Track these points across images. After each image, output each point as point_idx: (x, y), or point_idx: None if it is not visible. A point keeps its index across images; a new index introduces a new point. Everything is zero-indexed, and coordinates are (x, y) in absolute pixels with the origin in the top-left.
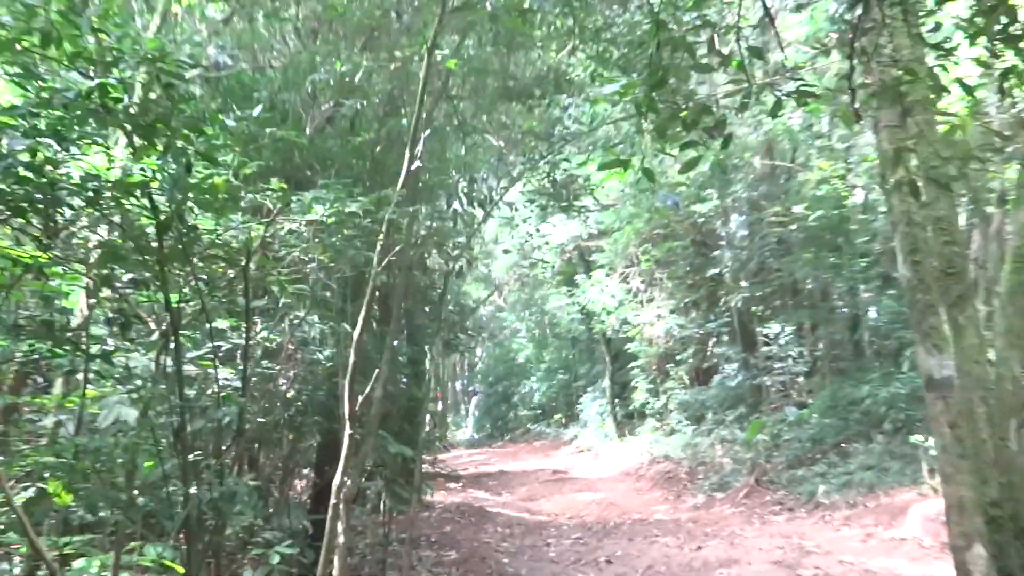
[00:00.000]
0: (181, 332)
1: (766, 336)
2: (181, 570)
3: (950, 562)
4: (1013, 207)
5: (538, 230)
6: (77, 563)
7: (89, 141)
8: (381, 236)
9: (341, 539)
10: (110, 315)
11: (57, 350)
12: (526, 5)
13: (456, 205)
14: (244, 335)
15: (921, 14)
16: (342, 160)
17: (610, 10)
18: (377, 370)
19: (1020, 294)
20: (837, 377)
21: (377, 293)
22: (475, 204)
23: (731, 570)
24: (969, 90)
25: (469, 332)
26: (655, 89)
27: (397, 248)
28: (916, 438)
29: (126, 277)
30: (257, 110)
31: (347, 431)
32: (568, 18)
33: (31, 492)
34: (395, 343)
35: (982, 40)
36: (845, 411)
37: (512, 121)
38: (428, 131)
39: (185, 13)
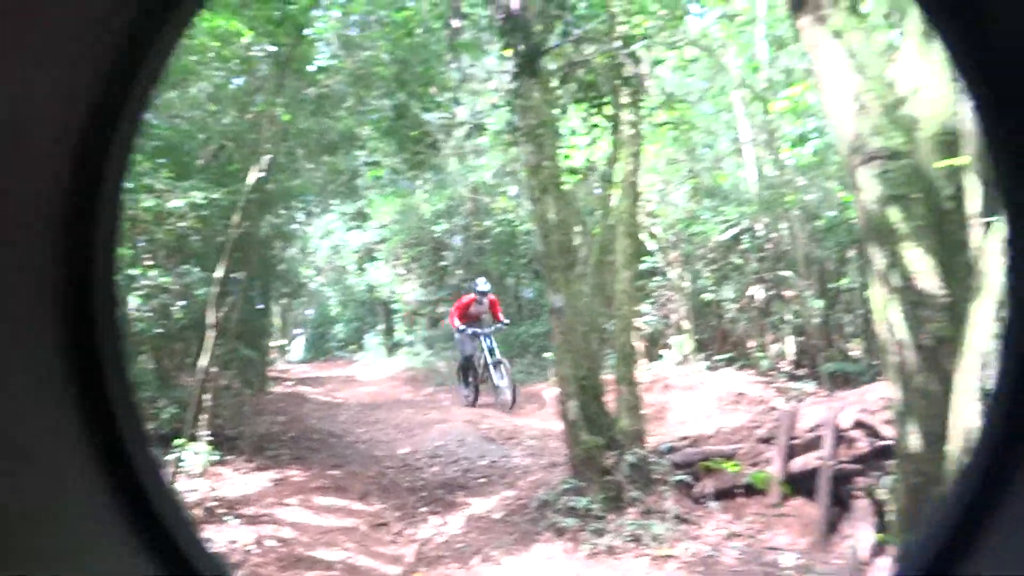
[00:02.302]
0: None
1: None
2: None
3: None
4: (600, 217)
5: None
6: None
7: None
8: (237, 216)
9: (207, 404)
10: None
11: None
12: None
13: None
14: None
15: (552, 86)
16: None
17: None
18: (231, 298)
19: (600, 265)
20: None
21: (241, 259)
22: (305, 215)
23: (443, 425)
24: (575, 133)
25: (303, 294)
26: (399, 120)
27: (248, 223)
28: (547, 355)
29: None
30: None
31: (211, 337)
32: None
33: None
34: (248, 291)
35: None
36: (512, 342)
37: (324, 164)
38: (271, 156)
39: None
